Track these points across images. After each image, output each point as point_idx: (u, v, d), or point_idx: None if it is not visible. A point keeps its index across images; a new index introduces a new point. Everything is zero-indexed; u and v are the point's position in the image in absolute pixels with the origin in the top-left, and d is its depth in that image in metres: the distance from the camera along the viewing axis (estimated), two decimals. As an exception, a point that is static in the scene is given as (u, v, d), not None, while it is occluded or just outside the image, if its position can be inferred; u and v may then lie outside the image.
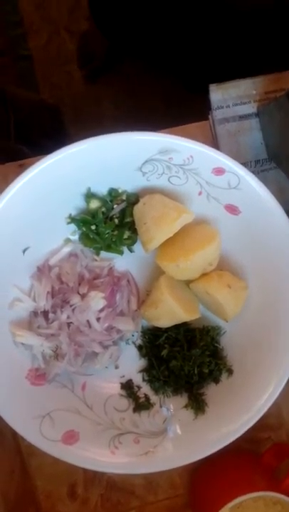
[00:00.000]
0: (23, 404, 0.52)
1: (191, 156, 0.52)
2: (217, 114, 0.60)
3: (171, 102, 1.22)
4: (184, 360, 0.56)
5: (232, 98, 0.60)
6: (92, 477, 0.61)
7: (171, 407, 0.57)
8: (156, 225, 0.53)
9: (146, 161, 0.53)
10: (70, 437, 0.52)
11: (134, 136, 0.50)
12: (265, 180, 0.60)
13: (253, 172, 0.60)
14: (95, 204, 0.54)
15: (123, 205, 0.56)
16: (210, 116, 0.61)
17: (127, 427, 0.55)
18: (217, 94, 0.59)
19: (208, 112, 0.60)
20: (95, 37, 1.28)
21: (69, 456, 0.52)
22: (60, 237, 0.57)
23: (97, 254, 0.58)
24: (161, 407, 0.57)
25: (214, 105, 0.60)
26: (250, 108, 0.60)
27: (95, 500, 0.61)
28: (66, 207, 0.55)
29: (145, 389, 0.58)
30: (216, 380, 0.57)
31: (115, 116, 1.29)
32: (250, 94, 0.60)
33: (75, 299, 0.54)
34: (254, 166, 0.61)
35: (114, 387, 0.58)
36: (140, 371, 0.59)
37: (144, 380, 0.59)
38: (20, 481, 0.55)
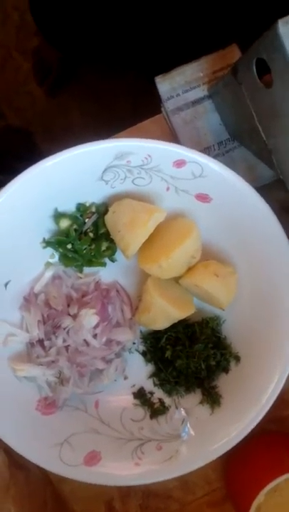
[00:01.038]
0: (38, 437, 0.52)
1: (149, 155, 0.51)
2: (169, 105, 0.58)
3: (136, 96, 1.21)
4: (188, 357, 0.55)
5: (180, 86, 0.58)
6: (127, 489, 0.61)
7: (187, 406, 0.56)
8: (130, 231, 0.52)
9: (105, 170, 0.52)
10: (92, 458, 0.52)
11: (85, 148, 0.49)
12: (232, 161, 0.59)
13: (218, 154, 0.59)
14: (65, 223, 0.54)
15: (94, 217, 0.55)
16: (162, 109, 0.59)
17: (147, 436, 0.55)
18: (164, 85, 0.58)
19: (160, 104, 0.59)
20: (47, 50, 1.27)
21: (94, 478, 0.51)
22: (39, 263, 0.56)
23: (80, 271, 0.57)
24: (177, 408, 0.56)
25: (164, 96, 0.58)
26: (201, 91, 0.59)
27: (136, 511, 0.61)
28: (38, 232, 0.55)
29: (158, 393, 0.58)
30: (226, 370, 0.57)
31: (84, 123, 1.28)
32: (197, 78, 0.59)
33: (67, 321, 0.54)
34: (218, 148, 0.59)
35: (127, 399, 0.58)
36: (149, 377, 0.58)
37: (155, 384, 0.58)
38: (56, 510, 0.55)
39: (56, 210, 0.54)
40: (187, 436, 0.53)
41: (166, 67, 0.60)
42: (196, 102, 0.59)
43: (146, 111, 0.63)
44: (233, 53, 0.58)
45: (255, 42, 0.43)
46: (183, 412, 0.55)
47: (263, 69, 0.45)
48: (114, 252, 0.57)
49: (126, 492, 0.61)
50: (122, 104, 1.21)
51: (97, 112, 1.24)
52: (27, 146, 1.26)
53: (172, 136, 0.60)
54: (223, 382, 0.56)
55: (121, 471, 0.52)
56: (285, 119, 0.44)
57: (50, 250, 0.56)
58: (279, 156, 0.49)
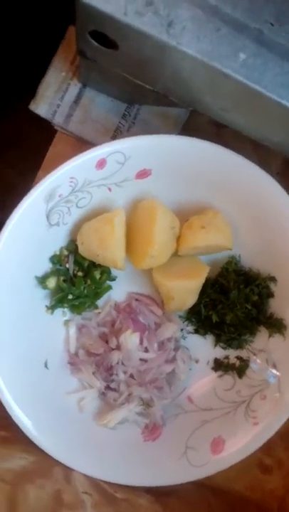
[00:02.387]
0: (163, 461, 0.53)
1: (71, 178, 0.50)
2: (58, 120, 0.57)
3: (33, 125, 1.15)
4: (232, 309, 0.55)
5: (54, 96, 0.57)
6: (268, 443, 0.61)
7: (261, 346, 0.56)
8: (106, 249, 0.52)
9: (47, 217, 0.51)
10: (217, 445, 0.53)
11: (16, 216, 0.48)
12: (144, 122, 0.59)
13: (130, 126, 0.59)
14: (52, 283, 0.54)
15: (71, 258, 0.55)
16: (56, 127, 0.58)
17: (247, 393, 0.55)
18: (41, 107, 0.57)
19: (51, 125, 0.58)
20: None
21: (232, 459, 0.52)
22: (59, 327, 0.57)
23: (95, 307, 0.58)
24: (255, 355, 0.57)
25: (48, 116, 0.57)
26: (75, 87, 0.57)
27: (286, 456, 0.62)
28: (38, 304, 0.55)
29: (232, 353, 0.58)
30: (270, 295, 0.56)
31: (19, 174, 1.26)
32: (63, 79, 0.57)
33: (115, 356, 0.55)
34: (125, 121, 0.58)
35: (211, 376, 0.58)
36: (215, 345, 0.59)
37: (223, 348, 0.58)
38: (222, 502, 0.57)
39: (36, 277, 0.54)
40: (275, 379, 0.53)
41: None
42: (77, 99, 0.57)
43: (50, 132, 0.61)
44: (74, 35, 0.56)
45: (76, 19, 0.41)
46: (258, 360, 0.55)
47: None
48: (109, 273, 0.57)
49: (268, 445, 0.61)
50: (31, 137, 1.18)
51: (19, 157, 1.22)
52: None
53: (82, 142, 0.58)
54: (276, 306, 0.56)
55: (246, 437, 0.53)
56: (149, 63, 0.42)
57: (59, 311, 0.57)
58: (173, 93, 0.48)
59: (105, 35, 0.41)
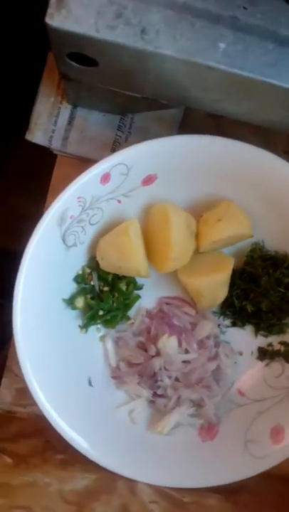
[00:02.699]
0: (226, 457, 0.53)
1: (79, 197, 0.51)
2: (55, 145, 0.58)
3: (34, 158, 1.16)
4: (265, 295, 0.54)
5: (47, 122, 0.57)
6: None
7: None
8: (127, 260, 0.52)
9: (63, 239, 0.52)
10: (277, 434, 0.52)
11: (32, 244, 0.49)
12: (141, 129, 0.59)
13: (127, 136, 0.59)
14: (80, 302, 0.55)
15: (94, 275, 0.56)
16: (54, 152, 0.59)
17: (298, 377, 0.54)
18: (36, 135, 0.58)
19: (49, 151, 0.59)
20: None
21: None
22: (95, 344, 0.57)
23: (128, 319, 0.58)
24: (297, 337, 0.56)
25: (45, 142, 0.58)
26: (66, 109, 0.57)
27: None
28: (70, 325, 0.56)
29: (274, 339, 0.57)
30: (302, 274, 0.55)
31: (27, 204, 1.27)
32: (53, 104, 0.57)
33: (156, 363, 0.55)
34: (122, 133, 0.58)
35: (258, 366, 0.57)
36: (256, 334, 0.58)
37: (265, 336, 0.58)
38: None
39: (64, 299, 0.54)
40: None
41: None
42: (71, 121, 0.58)
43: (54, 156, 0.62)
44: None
45: (51, 45, 0.42)
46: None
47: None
48: (135, 282, 0.57)
49: None
50: (37, 165, 1.20)
51: (28, 185, 1.24)
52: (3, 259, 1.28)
53: (83, 161, 0.59)
54: (311, 285, 0.55)
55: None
56: (133, 72, 0.42)
57: (92, 328, 0.57)
58: (163, 96, 0.48)
59: (84, 55, 0.42)
